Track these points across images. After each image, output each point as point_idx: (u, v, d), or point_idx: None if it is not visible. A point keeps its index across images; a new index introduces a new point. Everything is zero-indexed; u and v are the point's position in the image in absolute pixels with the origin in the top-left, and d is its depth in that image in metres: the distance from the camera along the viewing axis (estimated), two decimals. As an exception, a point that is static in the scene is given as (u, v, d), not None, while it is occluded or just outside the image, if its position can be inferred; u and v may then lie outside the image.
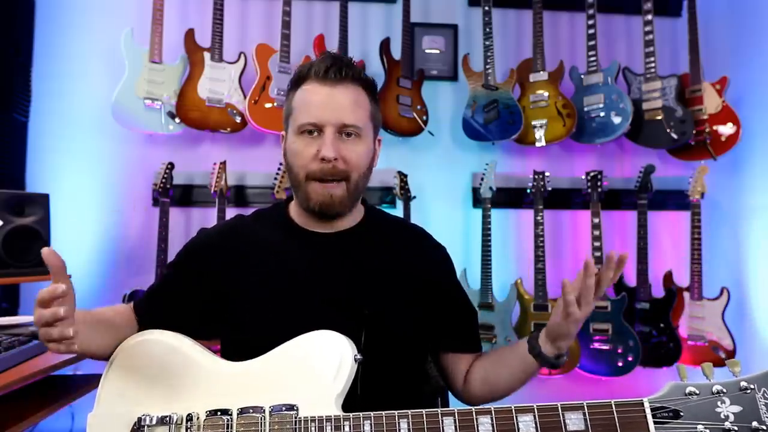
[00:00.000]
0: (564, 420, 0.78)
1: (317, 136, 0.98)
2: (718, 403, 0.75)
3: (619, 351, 2.34)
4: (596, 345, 2.37)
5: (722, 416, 0.75)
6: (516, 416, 0.79)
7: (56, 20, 2.46)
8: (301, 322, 0.92)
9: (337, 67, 0.98)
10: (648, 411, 0.76)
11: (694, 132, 2.37)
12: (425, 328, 1.07)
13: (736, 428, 0.74)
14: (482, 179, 2.46)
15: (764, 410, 0.74)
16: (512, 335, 2.33)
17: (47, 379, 1.53)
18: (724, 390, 0.76)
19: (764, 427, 0.73)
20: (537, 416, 0.79)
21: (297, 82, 1.02)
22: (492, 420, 0.80)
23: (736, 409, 0.75)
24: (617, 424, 0.77)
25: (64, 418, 2.23)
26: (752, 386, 0.75)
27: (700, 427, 0.75)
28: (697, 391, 0.76)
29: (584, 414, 0.78)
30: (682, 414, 0.76)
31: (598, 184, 2.42)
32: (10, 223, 1.90)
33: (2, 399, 1.22)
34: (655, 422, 0.76)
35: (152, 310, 1.06)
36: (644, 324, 2.40)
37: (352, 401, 0.88)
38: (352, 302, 0.99)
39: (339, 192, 0.99)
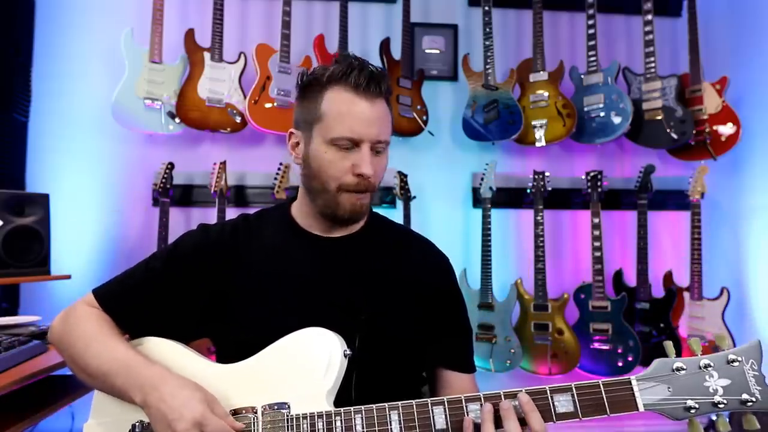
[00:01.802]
0: (553, 402, 0.78)
1: (352, 149, 0.97)
2: (706, 377, 0.75)
3: (619, 351, 2.34)
4: (596, 345, 2.37)
5: (711, 390, 0.74)
6: (504, 400, 0.79)
7: (56, 20, 2.46)
8: (299, 324, 0.92)
9: (376, 82, 0.97)
10: (636, 388, 0.76)
11: (694, 132, 2.37)
12: (423, 336, 1.06)
13: (725, 401, 0.74)
14: (482, 179, 2.46)
15: (753, 382, 0.74)
16: (512, 335, 2.34)
17: (47, 379, 1.53)
18: (712, 364, 0.75)
19: (754, 399, 0.73)
20: None
21: (325, 84, 0.98)
22: (481, 406, 0.80)
23: (725, 382, 0.74)
24: (606, 404, 0.76)
25: (64, 418, 2.23)
26: (740, 358, 0.75)
27: (689, 401, 0.74)
28: (685, 367, 0.76)
29: (572, 395, 0.78)
30: (670, 390, 0.75)
31: (598, 184, 2.42)
32: (10, 223, 1.90)
33: (2, 399, 1.22)
34: (643, 399, 0.75)
35: (137, 305, 0.99)
36: (644, 324, 2.40)
37: (347, 405, 0.88)
38: (351, 306, 0.99)
39: (366, 201, 1.01)
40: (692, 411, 0.74)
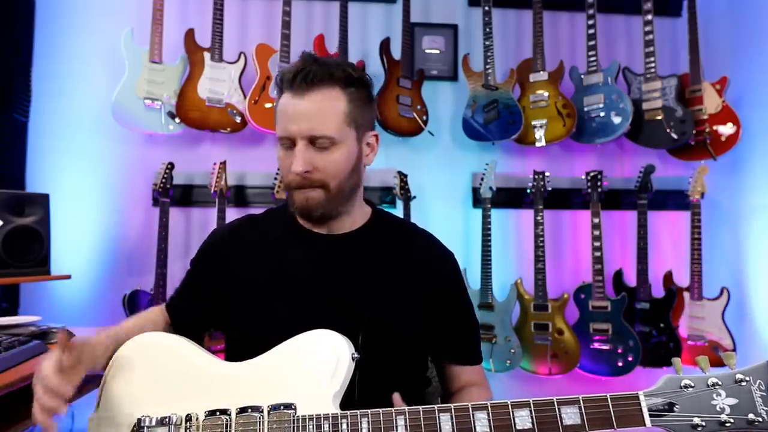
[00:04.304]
0: (560, 414, 0.78)
1: (292, 147, 0.98)
2: (714, 395, 0.75)
3: (619, 351, 2.34)
4: (596, 345, 2.37)
5: (718, 408, 0.75)
6: (512, 411, 0.79)
7: (56, 20, 2.46)
8: (301, 323, 0.92)
9: (303, 73, 0.95)
10: (643, 404, 0.76)
11: (694, 132, 2.37)
12: (426, 335, 1.06)
13: (732, 420, 0.74)
14: (482, 179, 2.46)
15: (760, 402, 0.74)
16: (512, 335, 2.34)
17: (47, 379, 1.52)
18: (720, 382, 0.76)
19: (760, 419, 0.73)
20: (533, 411, 0.79)
21: (279, 88, 1.02)
22: (488, 415, 0.80)
23: (732, 401, 0.75)
24: (613, 418, 0.76)
25: (65, 418, 2.23)
26: (748, 378, 0.75)
27: (696, 419, 0.75)
28: (693, 384, 0.76)
29: (580, 408, 0.78)
30: (677, 407, 0.76)
31: (598, 184, 2.42)
32: (10, 223, 1.90)
33: (2, 399, 1.22)
34: (650, 415, 0.76)
35: (182, 307, 1.15)
36: (644, 324, 2.40)
37: (351, 405, 0.88)
38: (353, 305, 0.99)
39: (315, 195, 0.98)
40: (699, 429, 0.74)
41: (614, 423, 0.76)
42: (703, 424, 0.74)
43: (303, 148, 0.96)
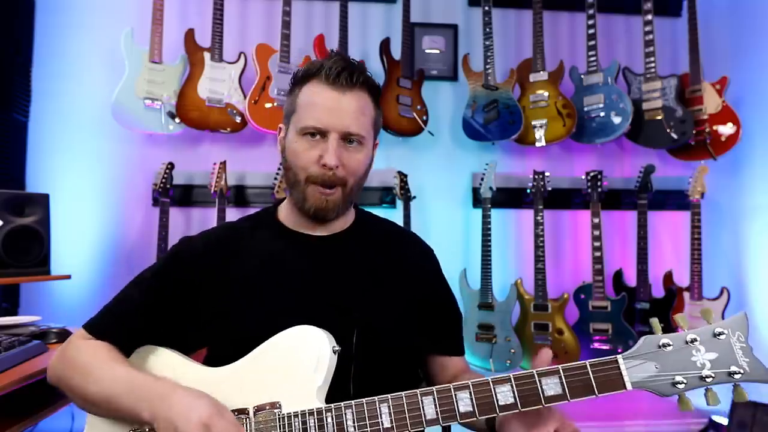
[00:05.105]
0: (541, 386, 0.77)
1: (320, 140, 0.97)
2: (693, 351, 0.74)
3: (619, 351, 2.32)
4: (596, 345, 2.37)
5: (699, 364, 0.74)
6: (494, 387, 0.79)
7: (56, 20, 2.46)
8: (294, 325, 0.91)
9: (348, 72, 0.97)
10: (623, 367, 0.75)
11: (694, 132, 2.37)
12: (418, 331, 1.07)
13: (713, 375, 0.73)
14: (482, 179, 2.46)
15: (740, 354, 0.73)
16: (512, 335, 2.34)
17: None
18: (698, 338, 0.74)
19: (742, 371, 0.72)
20: (514, 385, 0.79)
21: (304, 78, 1.01)
22: (471, 394, 0.80)
23: (712, 355, 0.74)
24: (594, 384, 0.76)
25: (64, 418, 2.23)
26: (726, 331, 0.74)
27: (677, 377, 0.74)
28: (671, 342, 0.75)
29: (560, 378, 0.77)
30: (657, 366, 0.75)
31: (598, 184, 2.42)
32: (10, 223, 1.90)
33: (2, 399, 1.22)
34: (631, 378, 0.75)
35: (132, 327, 0.99)
36: (644, 324, 2.40)
37: (346, 400, 0.88)
38: (343, 306, 0.99)
39: (335, 197, 0.99)
40: (680, 386, 0.74)
41: (596, 390, 0.75)
42: (685, 381, 0.74)
43: (336, 142, 0.96)
